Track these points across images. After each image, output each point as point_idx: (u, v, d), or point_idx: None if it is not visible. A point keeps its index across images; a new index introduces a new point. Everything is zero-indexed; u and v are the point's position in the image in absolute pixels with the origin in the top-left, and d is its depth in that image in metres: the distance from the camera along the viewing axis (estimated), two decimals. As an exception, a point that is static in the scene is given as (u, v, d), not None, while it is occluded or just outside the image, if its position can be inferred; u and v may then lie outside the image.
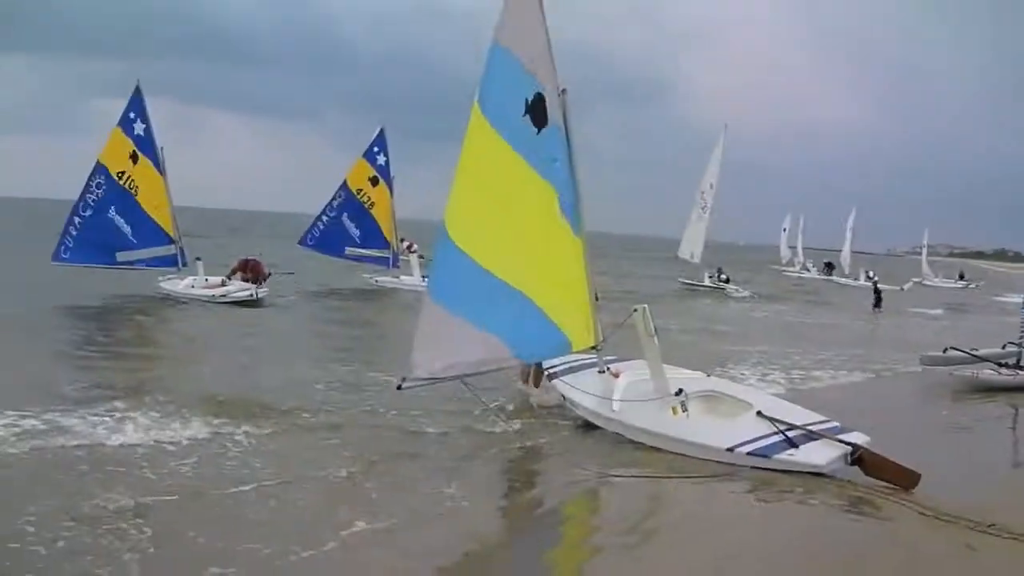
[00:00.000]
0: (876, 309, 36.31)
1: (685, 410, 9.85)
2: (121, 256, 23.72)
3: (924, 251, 74.71)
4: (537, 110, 9.86)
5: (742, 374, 15.99)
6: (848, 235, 66.30)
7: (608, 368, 11.17)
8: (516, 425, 11.02)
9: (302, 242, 30.02)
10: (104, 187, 23.23)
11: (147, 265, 24.35)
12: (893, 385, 16.74)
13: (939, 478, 9.68)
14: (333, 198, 29.31)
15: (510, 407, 11.96)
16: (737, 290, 40.13)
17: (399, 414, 11.14)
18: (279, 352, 16.60)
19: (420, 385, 9.93)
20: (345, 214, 29.07)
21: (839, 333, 26.14)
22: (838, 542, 7.54)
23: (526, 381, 12.45)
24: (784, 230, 75.13)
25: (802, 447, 8.96)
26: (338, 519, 7.31)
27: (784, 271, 67.64)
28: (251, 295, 23.19)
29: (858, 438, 9.11)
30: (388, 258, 29.63)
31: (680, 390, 9.96)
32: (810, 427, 9.29)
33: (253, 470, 8.59)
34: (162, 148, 23.93)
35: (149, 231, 23.85)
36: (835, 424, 9.50)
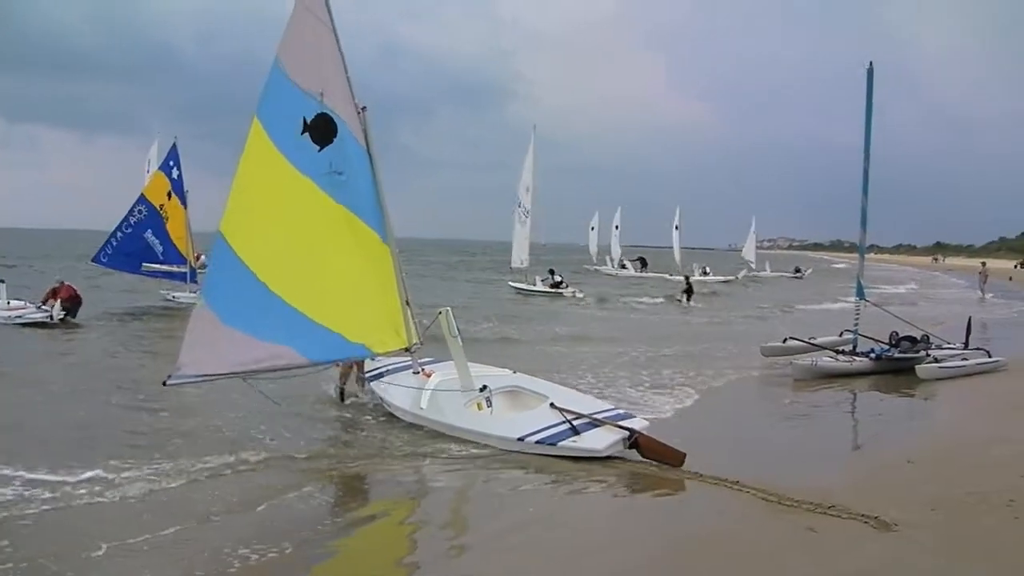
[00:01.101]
0: (687, 301, 38.17)
1: (490, 405, 10.72)
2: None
3: (751, 239, 78.00)
4: (318, 128, 10.50)
5: (584, 379, 16.16)
6: (675, 232, 68.30)
7: (422, 369, 11.92)
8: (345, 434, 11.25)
9: (96, 259, 28.82)
10: None
11: (-54, 288, 23.08)
12: (736, 376, 17.18)
13: (782, 464, 10.14)
14: (130, 213, 28.38)
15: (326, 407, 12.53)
16: (575, 294, 39.83)
17: (267, 443, 10.58)
18: (108, 381, 15.32)
19: (190, 382, 10.12)
20: (149, 230, 28.24)
21: (683, 328, 27.00)
22: (683, 534, 7.71)
23: (343, 380, 13.01)
24: (592, 228, 76.50)
25: (584, 434, 9.83)
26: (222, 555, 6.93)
27: (599, 269, 68.55)
28: (48, 317, 22.16)
29: (637, 423, 10.10)
30: (185, 273, 28.98)
31: (484, 386, 10.86)
32: (596, 415, 10.22)
33: (123, 516, 7.87)
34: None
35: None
36: (620, 411, 10.63)
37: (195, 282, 28.18)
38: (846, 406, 14.88)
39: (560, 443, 9.74)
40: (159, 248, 28.34)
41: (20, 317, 22.18)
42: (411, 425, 11.23)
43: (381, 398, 12.11)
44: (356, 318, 10.94)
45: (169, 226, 28.34)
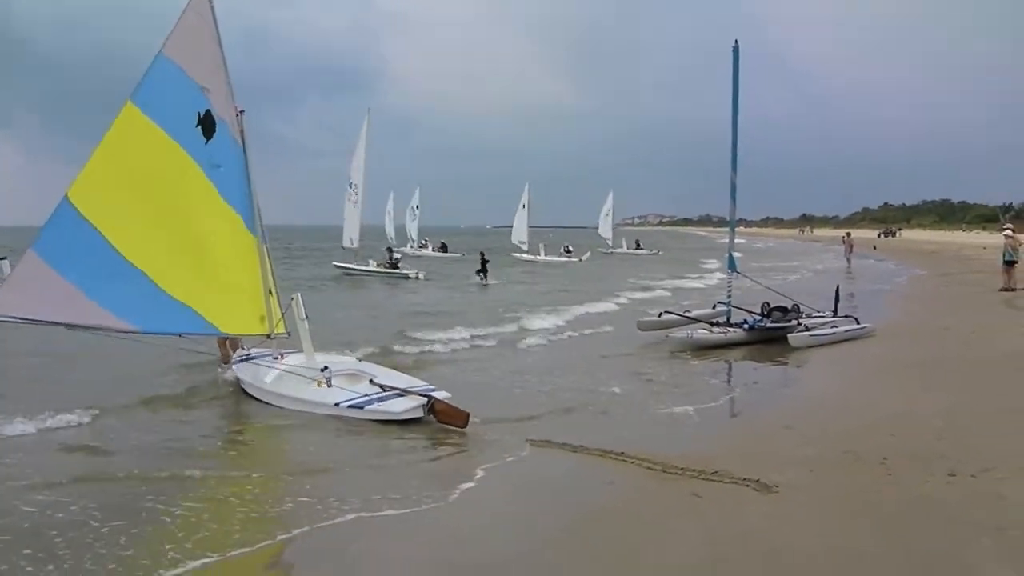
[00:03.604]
0: (482, 278, 39.13)
1: (330, 384, 12.04)
2: None
3: (609, 217, 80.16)
4: (207, 123, 12.19)
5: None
6: (522, 210, 68.56)
7: (281, 354, 13.41)
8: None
9: None
10: None
11: None
12: (610, 350, 17.69)
13: (665, 435, 10.54)
14: None
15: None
16: (417, 275, 40.79)
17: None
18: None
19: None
20: None
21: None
22: (575, 506, 7.98)
23: (224, 360, 14.59)
24: (388, 213, 76.78)
25: (389, 401, 11.52)
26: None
27: (401, 250, 68.39)
28: None
29: (439, 394, 11.54)
30: None
31: (325, 367, 12.30)
32: (408, 389, 11.78)
33: None
34: None
35: None
36: (429, 386, 12.06)
37: None
38: (722, 375, 15.50)
39: (366, 408, 11.39)
40: None
41: None
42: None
43: (238, 376, 13.58)
44: (215, 298, 12.42)
45: None
